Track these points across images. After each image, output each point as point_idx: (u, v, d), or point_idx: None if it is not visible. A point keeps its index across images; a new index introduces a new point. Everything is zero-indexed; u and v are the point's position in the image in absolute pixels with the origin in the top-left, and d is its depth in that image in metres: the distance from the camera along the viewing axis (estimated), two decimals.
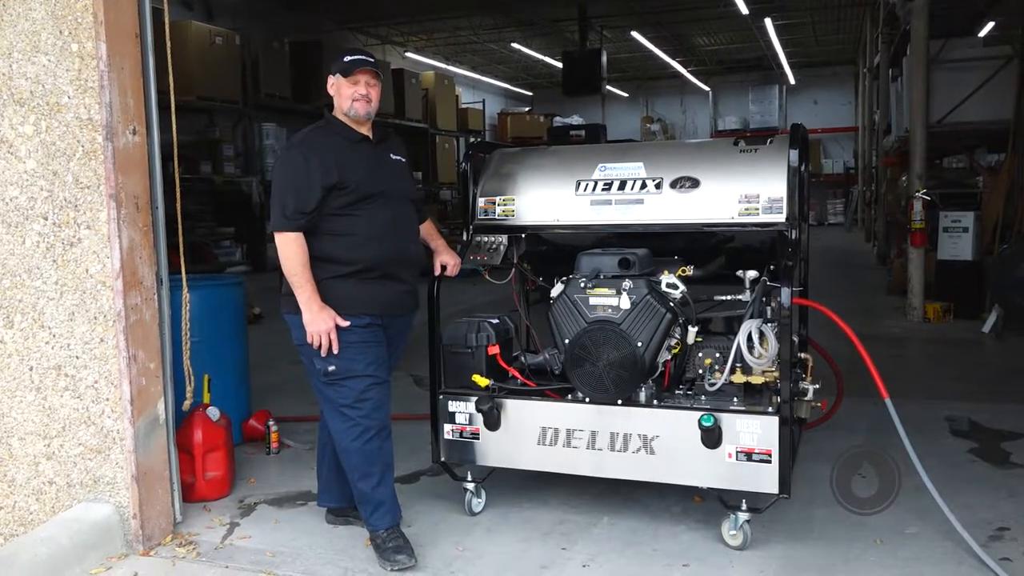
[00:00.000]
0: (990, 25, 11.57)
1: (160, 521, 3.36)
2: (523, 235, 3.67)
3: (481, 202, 3.68)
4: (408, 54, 19.69)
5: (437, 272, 3.53)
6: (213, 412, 3.86)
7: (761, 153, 3.35)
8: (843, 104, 23.93)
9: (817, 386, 3.40)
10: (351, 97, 3.12)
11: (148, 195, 3.32)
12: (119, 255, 3.16)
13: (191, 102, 12.11)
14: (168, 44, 3.45)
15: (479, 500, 3.57)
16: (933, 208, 8.13)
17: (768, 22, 17.09)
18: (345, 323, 3.05)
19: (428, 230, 3.56)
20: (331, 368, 3.10)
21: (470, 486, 3.55)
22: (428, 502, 3.74)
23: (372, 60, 3.18)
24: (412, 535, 3.35)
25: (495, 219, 3.64)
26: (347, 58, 3.15)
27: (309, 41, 15.10)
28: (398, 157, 3.33)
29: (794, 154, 3.21)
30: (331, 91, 3.19)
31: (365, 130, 3.21)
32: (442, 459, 3.54)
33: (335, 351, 3.06)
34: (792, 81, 23.94)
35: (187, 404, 3.66)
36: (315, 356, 3.11)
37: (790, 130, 3.34)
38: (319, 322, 3.03)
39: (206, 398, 3.91)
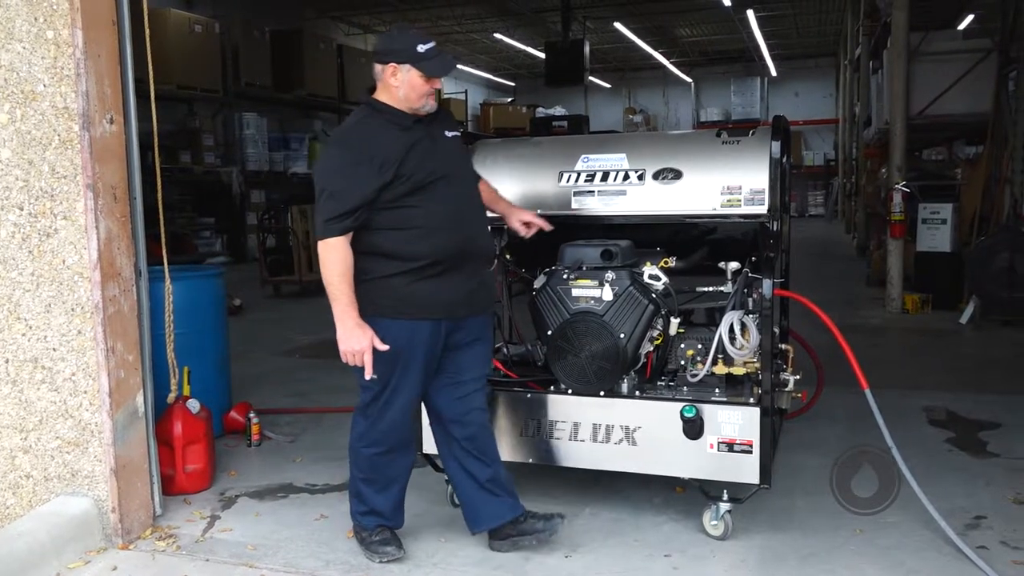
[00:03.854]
0: (970, 18, 11.67)
1: (139, 514, 3.34)
2: (505, 226, 3.65)
3: None
4: None
5: (523, 233, 3.21)
6: (193, 404, 3.83)
7: (743, 145, 3.35)
8: (824, 96, 24.04)
9: (798, 377, 3.42)
10: (426, 94, 2.81)
11: (126, 185, 3.27)
12: (96, 246, 3.12)
13: (170, 91, 12.00)
14: (147, 32, 3.39)
15: None
16: (912, 200, 8.19)
17: (750, 14, 17.13)
18: (383, 347, 2.75)
19: (488, 194, 3.17)
20: (372, 376, 2.86)
21: None
22: (411, 494, 3.68)
23: (455, 66, 2.96)
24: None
25: None
26: (434, 57, 2.78)
27: (290, 30, 14.98)
28: (453, 133, 2.99)
29: (776, 146, 3.22)
30: (392, 79, 2.80)
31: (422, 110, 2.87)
32: (425, 451, 3.52)
33: (367, 377, 2.79)
34: (774, 73, 24.03)
35: (172, 397, 3.63)
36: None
37: (772, 122, 3.35)
38: (353, 340, 2.73)
39: (186, 390, 3.88)
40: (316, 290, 10.27)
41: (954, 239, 8.09)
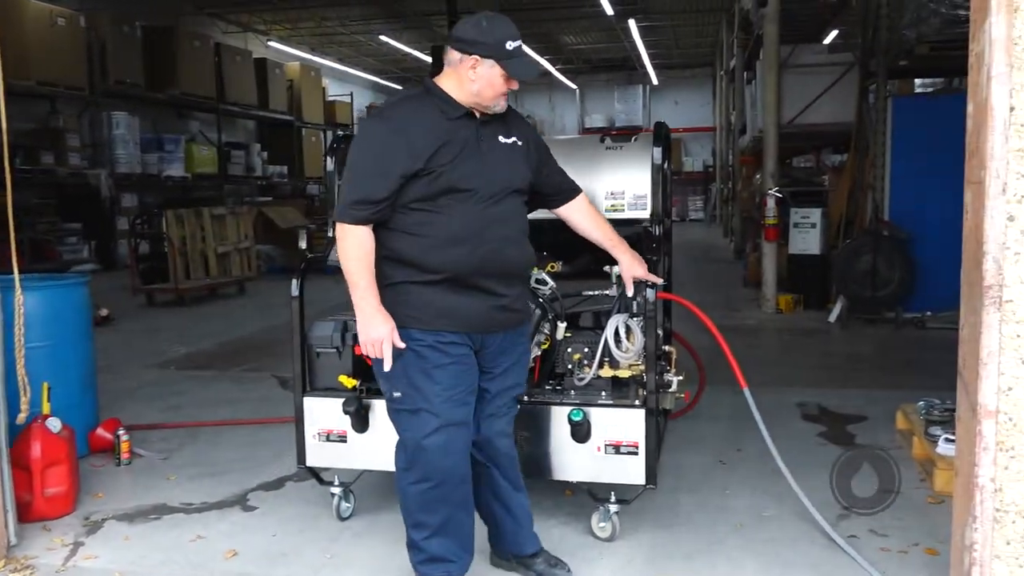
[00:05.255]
0: (834, 33, 12.38)
1: None
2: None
3: None
4: (271, 43, 19.02)
5: (631, 292, 3.03)
6: (54, 423, 3.55)
7: (626, 150, 3.41)
8: (702, 105, 25.02)
9: (681, 378, 3.49)
10: (502, 94, 2.57)
11: None
12: None
13: (28, 87, 11.23)
14: None
15: (348, 505, 3.46)
16: (784, 205, 8.58)
17: (632, 24, 17.61)
18: (401, 344, 2.54)
19: (585, 216, 2.95)
20: (396, 395, 2.62)
21: (337, 490, 3.44)
22: (295, 508, 3.59)
23: (541, 70, 2.76)
24: (276, 543, 3.21)
25: None
26: (520, 57, 2.55)
27: (163, 26, 14.31)
28: (511, 139, 2.68)
29: (658, 152, 3.28)
30: (470, 72, 2.54)
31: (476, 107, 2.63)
32: (307, 463, 3.40)
33: (386, 368, 2.55)
34: (655, 82, 24.83)
35: (22, 417, 3.34)
36: (381, 375, 2.63)
37: (654, 128, 3.41)
38: (372, 328, 2.51)
39: (45, 408, 3.60)
40: (192, 299, 9.99)
41: (823, 242, 8.54)
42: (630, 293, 3.06)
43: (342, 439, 3.32)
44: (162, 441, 4.56)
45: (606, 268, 3.35)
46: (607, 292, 3.36)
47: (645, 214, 3.25)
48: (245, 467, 4.11)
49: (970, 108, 2.28)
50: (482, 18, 2.55)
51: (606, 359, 3.17)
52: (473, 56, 2.53)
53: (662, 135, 3.36)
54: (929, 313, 7.50)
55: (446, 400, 2.58)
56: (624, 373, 3.18)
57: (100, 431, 4.30)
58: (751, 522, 3.39)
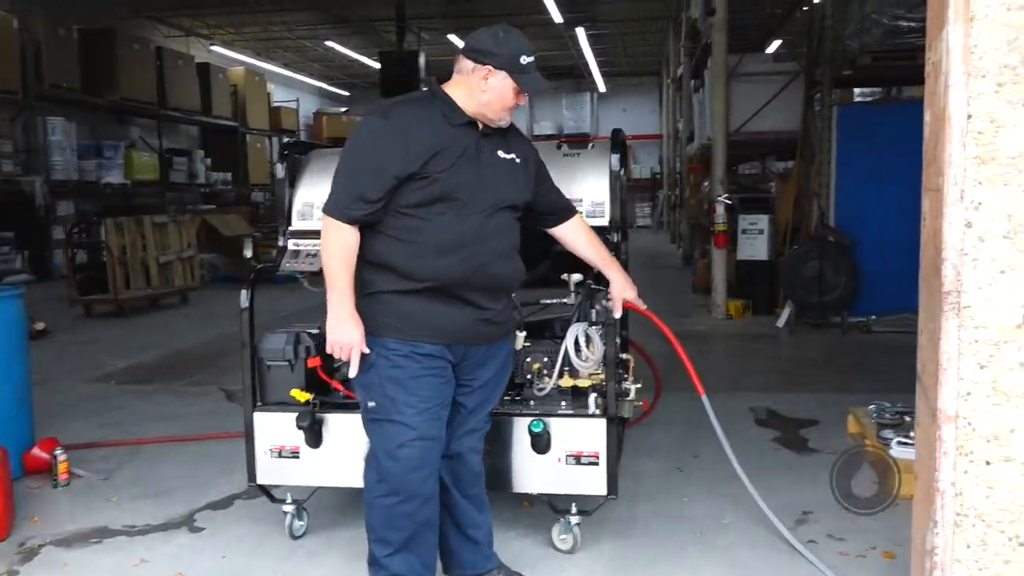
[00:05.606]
0: (777, 43, 12.62)
1: None
2: None
3: (299, 206, 3.46)
4: (214, 48, 18.65)
5: (618, 313, 2.98)
6: None
7: (584, 157, 3.38)
8: (650, 112, 25.33)
9: (639, 385, 3.47)
10: (510, 107, 2.56)
11: None
12: None
13: None
14: None
15: (301, 523, 3.35)
16: (732, 211, 8.69)
17: (580, 32, 17.73)
18: (367, 350, 2.50)
19: (578, 234, 2.92)
20: (370, 404, 2.57)
21: (290, 508, 3.32)
22: (244, 527, 3.47)
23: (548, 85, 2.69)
24: (226, 565, 3.08)
25: (313, 223, 3.43)
26: (532, 72, 2.53)
27: (101, 29, 13.91)
28: (510, 155, 2.66)
29: (615, 159, 3.26)
30: (482, 83, 2.52)
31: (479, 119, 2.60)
32: (259, 481, 3.28)
33: (352, 373, 2.53)
34: (602, 89, 25.05)
35: None
36: (356, 385, 2.60)
37: (611, 135, 3.39)
38: (343, 331, 2.47)
39: None
40: (133, 310, 9.69)
41: (770, 248, 8.67)
42: (617, 314, 3.02)
43: (295, 455, 3.21)
44: (102, 460, 4.37)
45: (564, 276, 3.32)
46: (565, 300, 3.32)
47: (604, 221, 3.22)
48: (191, 486, 3.95)
49: (927, 117, 2.29)
50: (499, 30, 2.55)
51: (566, 368, 3.13)
52: (487, 67, 2.51)
53: (619, 142, 3.34)
54: (874, 317, 7.66)
55: (421, 413, 2.53)
56: (584, 382, 3.14)
57: (36, 451, 4.09)
58: (710, 529, 3.38)
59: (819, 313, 7.88)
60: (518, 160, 2.69)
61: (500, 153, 2.64)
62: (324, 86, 24.94)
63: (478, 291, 2.56)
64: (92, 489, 3.97)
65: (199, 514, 3.64)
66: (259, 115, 18.59)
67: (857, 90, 10.63)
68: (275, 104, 20.16)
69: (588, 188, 3.27)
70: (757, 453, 4.26)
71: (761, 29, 11.93)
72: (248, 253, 4.50)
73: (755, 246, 8.70)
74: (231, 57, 19.15)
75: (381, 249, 2.53)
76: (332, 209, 2.50)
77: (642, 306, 3.03)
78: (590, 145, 3.46)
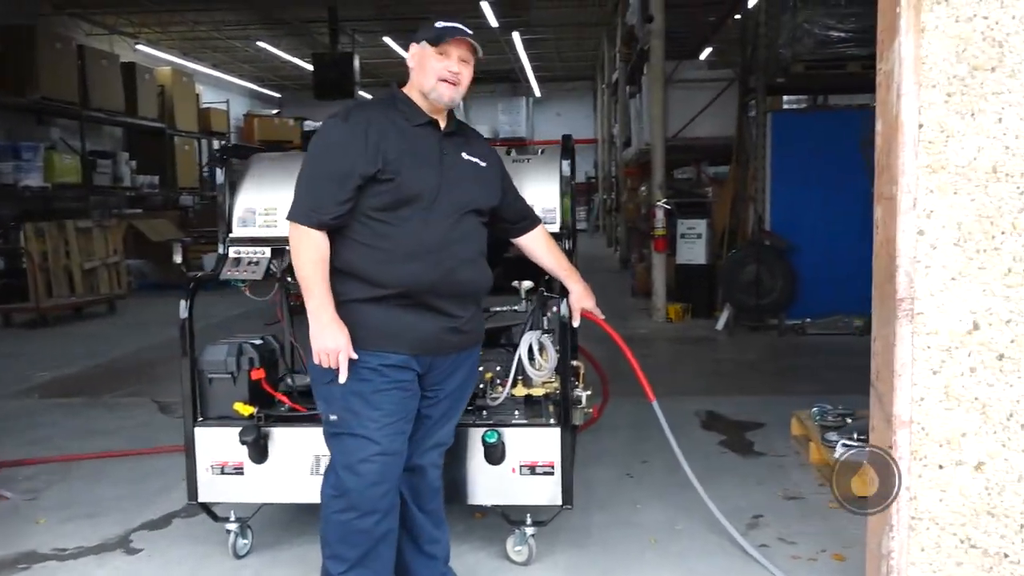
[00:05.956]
0: (708, 50, 12.86)
1: None
2: (287, 247, 3.37)
3: (239, 212, 3.34)
4: (140, 47, 18.04)
5: (576, 322, 2.97)
6: None
7: (533, 163, 3.34)
8: (584, 117, 25.55)
9: (589, 392, 3.45)
10: (438, 74, 2.52)
11: None
12: None
13: None
14: None
15: (245, 541, 3.23)
16: (671, 216, 8.79)
17: (516, 36, 17.76)
18: (355, 356, 2.43)
19: (540, 243, 2.93)
20: (332, 418, 2.51)
21: (233, 526, 3.20)
22: (184, 548, 3.32)
23: (470, 32, 2.58)
24: None
25: (255, 230, 3.31)
26: (439, 24, 2.56)
27: (19, 25, 13.30)
28: (473, 159, 2.65)
29: (566, 164, 3.24)
30: (411, 63, 2.61)
31: (439, 116, 2.62)
32: (200, 499, 3.15)
33: (342, 380, 2.44)
34: (538, 94, 25.17)
35: None
36: (319, 396, 2.55)
37: (561, 140, 3.36)
38: (327, 338, 2.40)
39: None
40: (56, 319, 9.28)
41: (708, 252, 8.80)
42: (576, 323, 3.01)
43: (238, 471, 3.09)
44: (28, 480, 4.14)
45: (515, 283, 3.27)
46: (515, 308, 3.28)
47: (555, 227, 3.19)
48: (126, 505, 3.78)
49: (879, 126, 2.33)
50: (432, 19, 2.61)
51: (520, 377, 3.09)
52: (411, 45, 2.62)
53: (569, 148, 3.32)
54: (808, 320, 7.85)
55: (384, 427, 2.47)
56: (538, 391, 3.11)
57: None
58: (664, 536, 3.38)
59: (757, 316, 8.04)
60: (483, 164, 2.69)
61: (464, 155, 2.64)
62: (255, 87, 24.40)
63: (446, 298, 2.53)
64: (17, 511, 3.76)
65: (135, 534, 3.48)
66: (187, 116, 18.03)
67: (786, 97, 10.90)
68: (204, 105, 19.58)
69: (538, 194, 3.23)
70: (703, 456, 4.28)
71: (696, 36, 12.14)
72: (178, 259, 4.36)
73: (693, 250, 8.83)
74: (158, 57, 18.55)
75: (350, 256, 2.49)
76: (299, 215, 2.46)
77: (600, 316, 3.03)
78: (540, 151, 3.43)
